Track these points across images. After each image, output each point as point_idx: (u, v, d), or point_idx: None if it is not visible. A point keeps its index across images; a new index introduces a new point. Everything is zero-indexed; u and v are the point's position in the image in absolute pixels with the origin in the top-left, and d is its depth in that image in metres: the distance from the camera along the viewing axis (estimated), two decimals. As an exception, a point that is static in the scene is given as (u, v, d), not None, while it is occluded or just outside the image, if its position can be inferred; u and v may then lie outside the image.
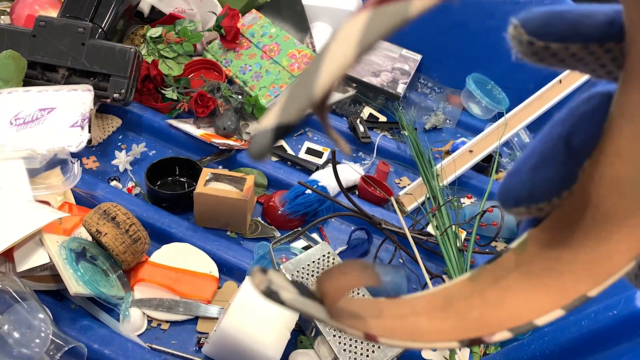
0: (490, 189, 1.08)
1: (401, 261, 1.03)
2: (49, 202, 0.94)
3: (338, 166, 1.20)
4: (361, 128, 1.28)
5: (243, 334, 0.75)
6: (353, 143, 1.31)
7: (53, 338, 0.70)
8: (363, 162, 1.27)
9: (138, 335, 0.82)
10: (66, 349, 0.69)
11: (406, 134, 1.35)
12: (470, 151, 1.22)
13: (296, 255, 0.94)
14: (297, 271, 0.84)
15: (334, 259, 0.87)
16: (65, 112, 1.05)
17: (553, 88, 1.32)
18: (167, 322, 0.85)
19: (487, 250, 1.02)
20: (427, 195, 1.10)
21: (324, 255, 0.87)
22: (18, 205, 0.83)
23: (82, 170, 1.05)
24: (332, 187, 1.09)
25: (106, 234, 0.83)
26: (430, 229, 0.99)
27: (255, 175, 1.10)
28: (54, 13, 1.21)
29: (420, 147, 1.19)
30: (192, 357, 0.81)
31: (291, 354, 0.83)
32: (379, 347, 0.77)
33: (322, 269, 0.85)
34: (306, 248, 1.00)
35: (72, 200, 0.98)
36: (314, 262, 0.86)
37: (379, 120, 1.38)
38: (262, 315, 0.78)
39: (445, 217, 1.00)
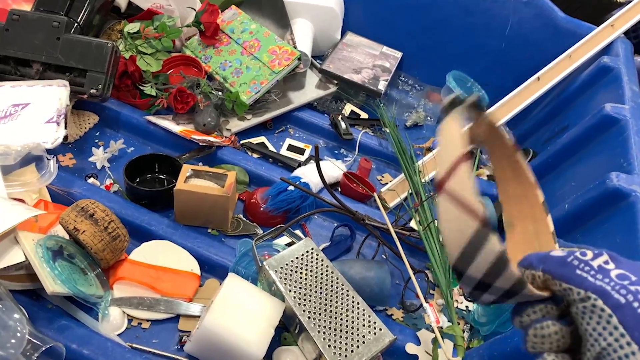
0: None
1: (384, 257, 1.03)
2: (24, 200, 0.92)
3: (320, 163, 1.20)
4: (343, 125, 1.28)
5: (226, 332, 0.73)
6: (335, 140, 1.31)
7: (30, 338, 0.68)
8: (345, 159, 1.27)
9: (118, 335, 0.80)
10: (43, 349, 0.67)
11: (387, 130, 1.35)
12: (451, 147, 1.23)
13: (279, 252, 0.93)
14: (281, 267, 0.83)
15: (317, 254, 0.87)
16: (40, 108, 1.02)
17: (531, 85, 1.33)
18: (147, 320, 0.84)
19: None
20: (410, 191, 1.10)
21: (307, 252, 0.87)
22: (-9, 202, 0.81)
23: (59, 168, 1.03)
24: (315, 184, 1.08)
25: (84, 231, 0.81)
26: (413, 224, 0.99)
27: (237, 172, 1.09)
28: (27, 7, 1.18)
29: (402, 143, 1.20)
30: (174, 356, 0.79)
31: (275, 351, 0.82)
32: (363, 343, 0.77)
33: (307, 265, 0.85)
34: (289, 245, 0.99)
35: (48, 198, 0.96)
36: (297, 258, 0.85)
37: (361, 117, 1.38)
38: (245, 313, 0.77)
39: (427, 212, 1.00)
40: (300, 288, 0.82)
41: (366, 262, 0.93)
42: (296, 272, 0.84)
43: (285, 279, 0.82)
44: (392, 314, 0.93)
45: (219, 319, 0.74)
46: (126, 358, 0.75)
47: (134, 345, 0.79)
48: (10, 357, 0.67)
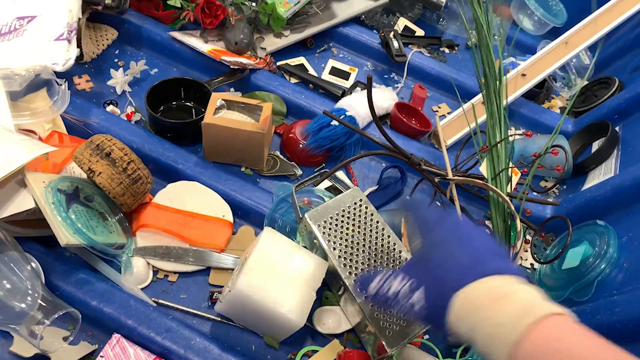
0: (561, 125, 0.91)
1: (439, 204, 0.90)
2: (35, 132, 0.81)
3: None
4: (395, 44, 1.10)
5: (262, 296, 0.64)
6: (385, 62, 1.14)
7: (42, 303, 0.60)
8: (396, 85, 1.10)
9: (142, 289, 0.73)
10: (55, 316, 0.59)
11: (447, 50, 1.17)
12: (523, 75, 1.05)
13: (321, 198, 0.82)
14: (324, 221, 0.72)
15: (366, 207, 0.75)
16: (49, 22, 0.88)
17: (620, 3, 1.10)
18: (175, 273, 0.75)
19: (541, 198, 0.89)
20: (478, 126, 0.92)
21: (355, 203, 0.75)
22: (-4, 137, 0.70)
23: (74, 92, 0.91)
24: (362, 117, 0.94)
25: (100, 173, 0.71)
26: (483, 169, 0.84)
27: (273, 102, 0.95)
28: None
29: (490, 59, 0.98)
30: (204, 314, 0.72)
31: (316, 311, 0.73)
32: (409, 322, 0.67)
33: (353, 218, 0.73)
34: (329, 189, 0.87)
35: (63, 129, 0.85)
36: (343, 210, 0.74)
37: (416, 34, 1.19)
38: (283, 274, 0.67)
39: (502, 154, 0.84)
40: (345, 246, 0.71)
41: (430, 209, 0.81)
42: (341, 226, 0.72)
43: (329, 234, 0.71)
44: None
45: (253, 281, 0.65)
46: (151, 318, 0.67)
47: (160, 301, 0.71)
48: (21, 316, 0.60)
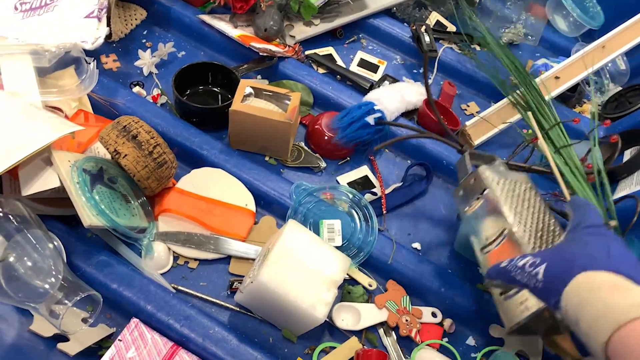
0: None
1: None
2: (61, 109, 0.81)
3: (397, 84, 1.02)
4: (427, 38, 1.07)
5: (284, 289, 0.63)
6: (415, 56, 1.11)
7: (63, 283, 0.60)
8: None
9: (162, 274, 0.72)
10: (78, 298, 0.59)
11: (478, 48, 1.14)
12: (557, 77, 1.02)
13: (346, 195, 0.80)
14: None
15: (534, 190, 0.72)
16: (80, -1, 0.87)
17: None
18: (195, 260, 0.74)
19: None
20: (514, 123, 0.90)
21: (521, 184, 0.72)
22: (24, 113, 0.70)
23: (101, 71, 0.91)
24: (390, 112, 0.92)
25: (126, 155, 0.70)
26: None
27: (301, 92, 0.93)
28: None
29: (516, 62, 0.96)
30: (223, 303, 0.71)
31: (336, 305, 0.72)
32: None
33: (522, 196, 0.71)
34: (352, 184, 0.86)
35: (89, 108, 0.84)
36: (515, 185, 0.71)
37: (447, 29, 1.16)
38: (306, 267, 0.66)
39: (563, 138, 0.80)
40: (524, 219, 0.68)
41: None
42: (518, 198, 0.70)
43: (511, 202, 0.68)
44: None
45: (275, 274, 0.64)
46: (171, 304, 0.66)
47: (180, 288, 0.71)
48: (42, 295, 0.60)
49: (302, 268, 0.66)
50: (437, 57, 1.09)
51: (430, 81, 1.08)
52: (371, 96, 0.94)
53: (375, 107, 0.90)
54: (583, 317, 0.44)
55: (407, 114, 0.99)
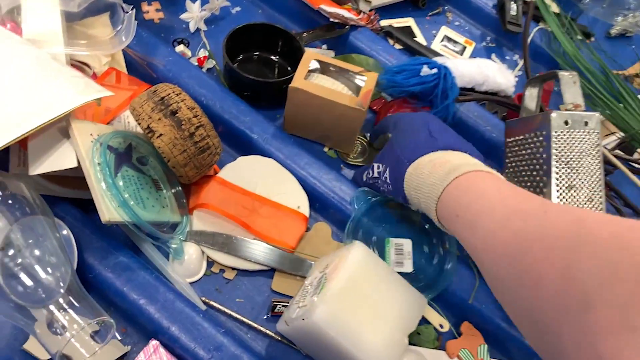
0: None
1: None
2: (89, 65, 0.67)
3: (485, 61, 0.84)
4: (513, 8, 0.89)
5: (342, 333, 0.49)
6: (494, 30, 0.93)
7: (71, 299, 0.47)
8: (516, 68, 0.90)
9: (192, 283, 0.59)
10: (84, 326, 0.46)
11: (580, 37, 0.95)
12: (686, 85, 0.83)
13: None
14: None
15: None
16: None
17: None
18: (233, 269, 0.61)
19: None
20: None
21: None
22: (42, 69, 0.56)
23: (140, 22, 0.76)
24: (462, 74, 0.74)
25: (161, 135, 0.56)
26: None
27: (376, 71, 0.77)
28: None
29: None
30: (262, 328, 0.58)
31: (395, 347, 0.58)
32: None
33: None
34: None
35: (123, 67, 0.70)
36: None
37: (549, 8, 0.97)
38: (373, 306, 0.52)
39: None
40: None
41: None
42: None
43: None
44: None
45: (335, 314, 0.50)
46: (199, 328, 0.53)
47: (212, 303, 0.58)
48: (41, 301, 0.48)
49: (367, 307, 0.52)
50: (529, 40, 0.90)
51: (517, 68, 0.90)
52: (449, 64, 0.75)
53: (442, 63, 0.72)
54: (420, 202, 0.51)
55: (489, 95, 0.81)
